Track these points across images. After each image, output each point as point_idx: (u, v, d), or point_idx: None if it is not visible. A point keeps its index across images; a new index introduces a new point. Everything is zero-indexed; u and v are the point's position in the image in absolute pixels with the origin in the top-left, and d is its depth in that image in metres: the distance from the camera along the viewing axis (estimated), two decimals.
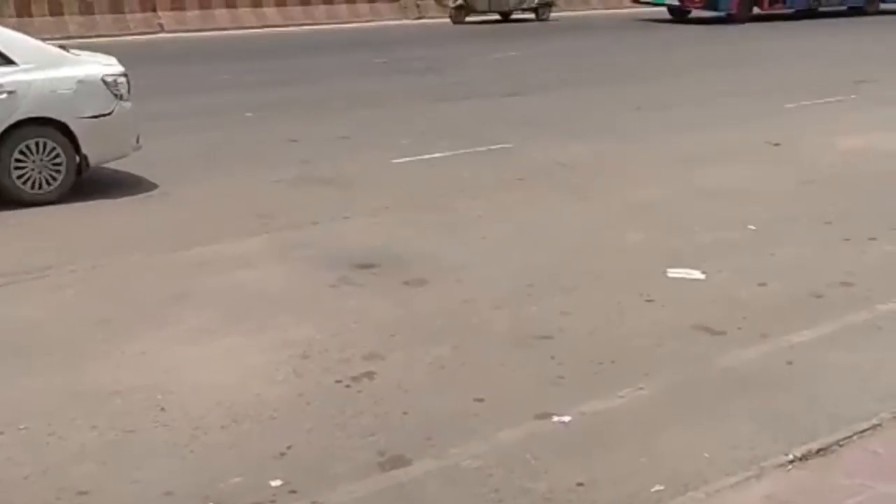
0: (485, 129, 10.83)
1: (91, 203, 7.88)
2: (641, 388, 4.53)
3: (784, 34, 22.67)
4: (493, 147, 9.86)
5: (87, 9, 22.98)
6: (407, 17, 26.68)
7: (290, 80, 15.40)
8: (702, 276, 6.06)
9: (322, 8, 23.67)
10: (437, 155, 9.48)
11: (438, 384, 4.60)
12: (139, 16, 23.23)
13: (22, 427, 4.13)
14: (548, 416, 4.25)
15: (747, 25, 23.92)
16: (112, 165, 9.03)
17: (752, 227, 7.13)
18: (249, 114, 11.91)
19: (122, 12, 23.23)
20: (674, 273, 6.10)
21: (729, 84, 14.54)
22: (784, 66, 16.87)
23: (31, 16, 22.06)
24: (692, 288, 5.90)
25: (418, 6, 27.40)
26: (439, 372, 4.72)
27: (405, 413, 4.29)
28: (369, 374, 4.66)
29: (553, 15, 25.30)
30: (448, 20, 25.17)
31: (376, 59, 17.90)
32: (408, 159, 9.31)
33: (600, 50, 19.76)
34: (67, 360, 4.83)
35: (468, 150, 9.69)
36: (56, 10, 22.72)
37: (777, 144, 9.97)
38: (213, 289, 5.88)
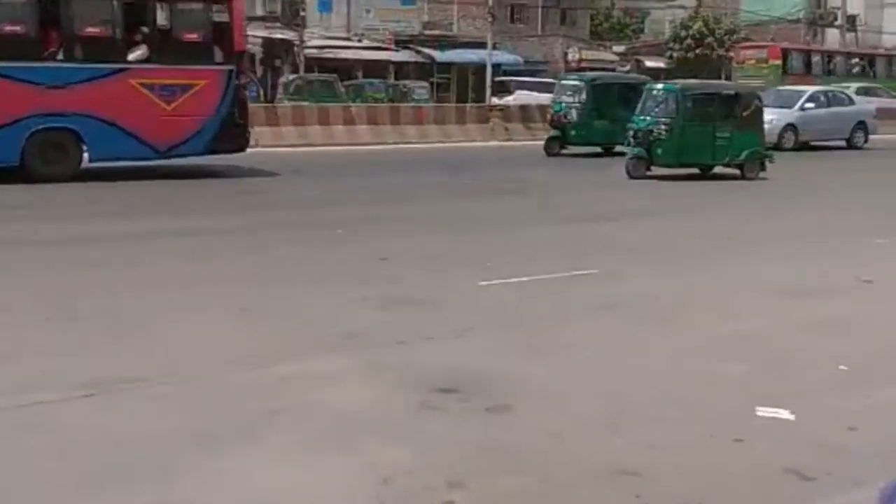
0: (572, 255, 10.88)
1: (183, 313, 8.04)
2: None
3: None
4: (579, 273, 9.87)
5: None
6: (495, 139, 27.14)
7: (381, 198, 15.71)
8: (791, 417, 5.94)
9: (412, 127, 24.21)
10: (523, 279, 9.52)
11: None
12: None
13: None
14: None
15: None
16: (196, 277, 9.25)
17: (844, 368, 6.99)
18: (340, 230, 12.12)
19: None
20: (763, 412, 5.98)
21: (816, 218, 14.43)
22: (864, 200, 16.72)
23: None
24: (782, 428, 5.78)
25: (507, 129, 27.88)
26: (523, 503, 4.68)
27: None
28: (452, 503, 4.63)
29: None
30: (536, 142, 25.52)
31: (465, 179, 18.19)
32: (494, 282, 9.36)
33: (687, 180, 19.82)
34: (155, 475, 4.88)
35: (554, 275, 9.71)
36: None
37: (869, 281, 9.82)
38: (298, 407, 5.92)
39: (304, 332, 7.62)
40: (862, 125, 28.76)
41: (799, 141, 26.81)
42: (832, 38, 59.90)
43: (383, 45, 48.60)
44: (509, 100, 36.05)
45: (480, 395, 6.16)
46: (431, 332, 7.65)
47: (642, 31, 66.86)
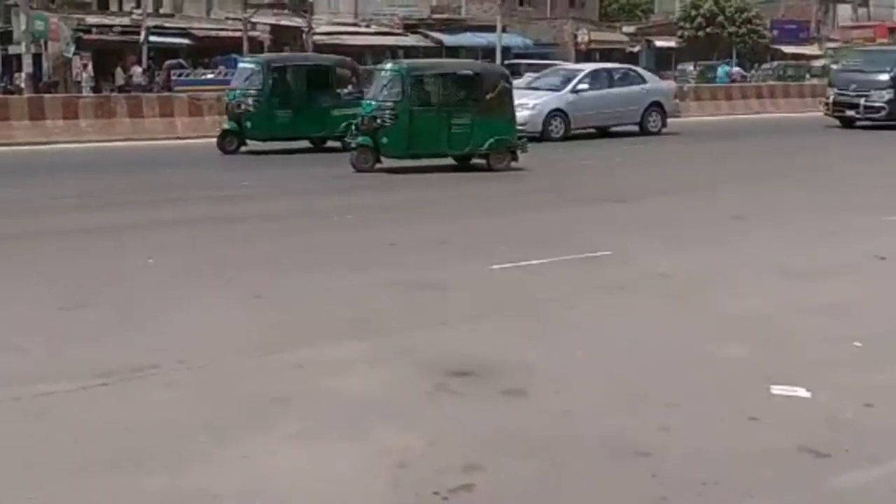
0: (584, 237, 10.85)
1: (196, 301, 8.06)
2: None
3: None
4: (592, 255, 9.85)
5: (195, 110, 23.73)
6: None
7: (390, 185, 15.67)
8: (807, 395, 5.92)
9: None
10: (535, 262, 9.50)
11: (538, 499, 4.54)
12: None
13: None
14: None
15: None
16: (210, 264, 9.28)
17: (858, 344, 6.96)
18: (350, 216, 12.12)
19: None
20: (777, 390, 5.96)
21: (828, 193, 14.38)
22: (876, 176, 16.64)
23: (142, 116, 22.90)
24: (796, 406, 5.76)
25: None
26: (538, 487, 4.66)
27: None
28: (467, 487, 4.62)
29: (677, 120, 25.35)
30: None
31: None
32: (506, 266, 9.34)
33: (695, 157, 19.75)
34: (168, 462, 4.89)
35: (567, 258, 9.69)
36: (166, 112, 23.47)
37: (883, 258, 9.76)
38: (311, 393, 5.92)
39: (317, 318, 7.62)
40: (657, 107, 24.37)
41: (571, 128, 22.90)
42: (843, 13, 59.62)
43: (392, 30, 48.49)
44: (519, 83, 35.95)
45: (494, 379, 6.16)
46: (444, 316, 7.64)
47: (652, 10, 66.57)
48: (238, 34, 43.11)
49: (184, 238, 10.85)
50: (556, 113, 22.73)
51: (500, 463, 4.91)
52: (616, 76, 24.89)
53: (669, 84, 27.29)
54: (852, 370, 6.44)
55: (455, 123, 16.71)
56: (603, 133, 23.99)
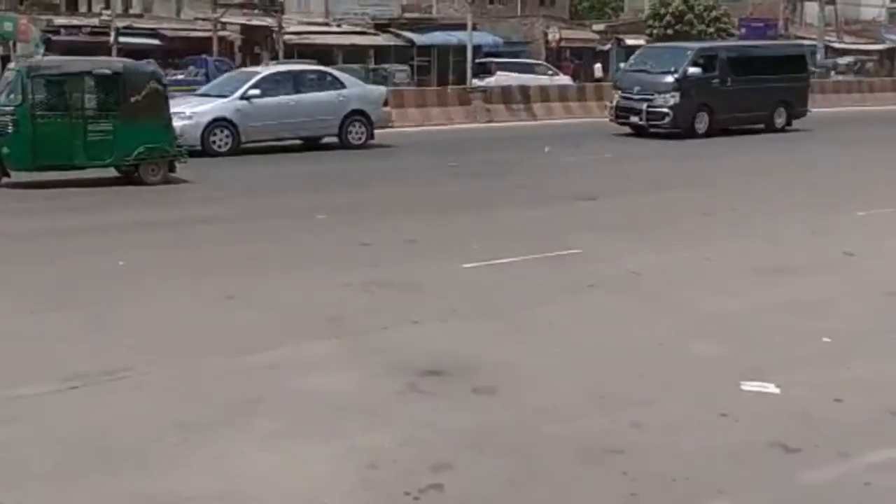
0: (554, 235, 10.87)
1: (168, 303, 8.01)
2: None
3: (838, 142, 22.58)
4: (562, 253, 9.86)
5: None
6: (477, 121, 27.07)
7: (361, 183, 15.66)
8: (776, 391, 5.96)
9: (393, 111, 24.01)
10: (506, 260, 9.51)
11: (509, 498, 4.55)
12: None
13: None
14: None
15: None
16: (185, 266, 9.24)
17: (827, 340, 7.01)
18: (322, 216, 12.09)
19: None
20: (748, 386, 6.00)
21: (795, 191, 14.48)
22: (847, 173, 16.78)
23: None
24: (767, 402, 5.80)
25: (488, 110, 27.82)
26: (509, 486, 4.67)
27: None
28: (438, 487, 4.62)
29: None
30: (517, 122, 25.48)
31: (447, 162, 18.15)
32: (477, 264, 9.34)
33: (660, 156, 19.84)
34: (141, 464, 4.86)
35: (537, 256, 9.71)
36: None
37: (851, 254, 9.84)
38: (283, 393, 5.90)
39: (289, 318, 7.59)
40: (360, 116, 20.55)
41: (242, 141, 19.20)
42: (811, 11, 59.98)
43: (363, 30, 48.44)
44: (490, 81, 35.96)
45: (466, 378, 6.16)
46: (416, 315, 7.63)
47: (622, 9, 66.75)
48: (208, 34, 42.92)
49: (153, 240, 10.78)
50: (221, 123, 19.02)
51: (471, 462, 4.91)
52: (305, 80, 20.89)
53: (378, 90, 22.89)
54: (822, 366, 6.48)
55: (93, 130, 14.67)
56: (308, 146, 20.40)
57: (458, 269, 9.19)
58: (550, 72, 41.34)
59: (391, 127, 22.12)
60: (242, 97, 19.49)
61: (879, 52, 58.31)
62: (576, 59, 51.77)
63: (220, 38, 43.55)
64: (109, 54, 41.02)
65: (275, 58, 42.41)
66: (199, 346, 6.87)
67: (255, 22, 46.32)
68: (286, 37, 44.70)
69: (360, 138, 20.53)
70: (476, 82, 34.26)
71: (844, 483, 4.74)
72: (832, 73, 47.58)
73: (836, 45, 57.56)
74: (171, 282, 8.77)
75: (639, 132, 23.20)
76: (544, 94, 29.95)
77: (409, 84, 38.44)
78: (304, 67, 24.14)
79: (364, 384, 6.09)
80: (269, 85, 20.05)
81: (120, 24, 42.56)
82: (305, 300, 8.14)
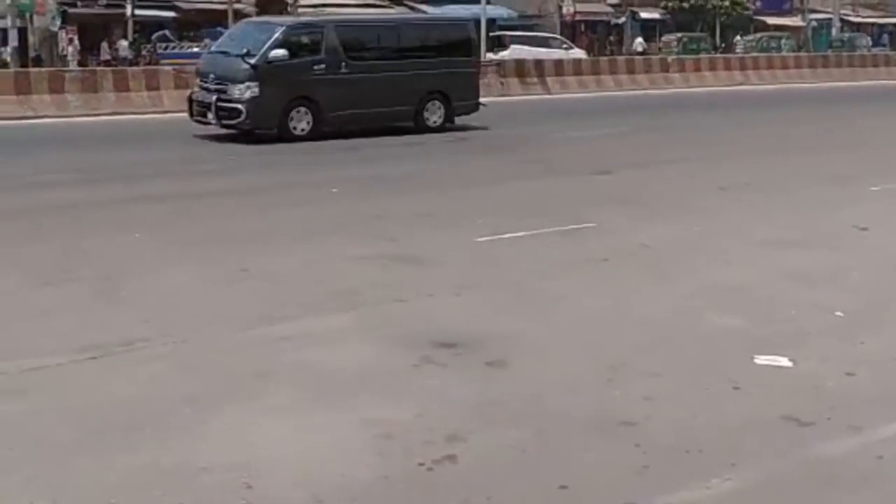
0: (568, 208, 10.87)
1: (184, 275, 8.05)
2: (729, 479, 4.46)
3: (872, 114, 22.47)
4: (576, 226, 9.87)
5: (181, 83, 23.54)
6: (490, 95, 26.99)
7: (375, 158, 15.65)
8: (789, 364, 5.97)
9: None
10: (519, 234, 9.52)
11: (521, 469, 4.58)
12: None
13: (112, 501, 4.21)
14: None
15: None
16: (195, 238, 9.27)
17: (840, 314, 7.01)
18: (335, 189, 12.10)
19: None
20: (761, 360, 6.01)
21: (809, 165, 14.43)
22: (868, 147, 16.71)
23: (129, 90, 22.69)
24: (779, 376, 5.81)
25: (502, 84, 27.74)
26: (522, 456, 4.70)
27: (488, 498, 4.27)
28: (451, 458, 4.66)
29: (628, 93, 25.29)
30: (531, 96, 25.36)
31: (461, 136, 18.13)
32: (491, 238, 9.36)
33: (678, 127, 19.77)
34: (157, 435, 4.91)
35: (551, 230, 9.71)
36: (152, 86, 23.25)
37: (864, 229, 9.82)
38: (297, 365, 5.94)
39: (304, 291, 7.62)
40: None
41: None
42: None
43: (377, 2, 48.20)
44: (504, 54, 35.80)
45: (479, 351, 6.18)
46: (429, 289, 7.66)
47: None
48: (223, 6, 42.79)
49: (170, 213, 10.82)
50: None
51: (484, 433, 4.94)
52: None
53: None
54: (835, 339, 6.49)
55: None
56: None
57: (471, 243, 9.21)
58: (565, 45, 41.12)
59: None
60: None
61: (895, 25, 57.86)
62: (602, 34, 51.51)
63: (236, 11, 43.41)
64: (125, 27, 41.06)
65: None
66: (214, 318, 6.91)
67: None
68: (301, 9, 44.53)
69: None
70: (490, 56, 34.13)
71: (856, 456, 4.75)
72: (865, 49, 47.20)
73: (852, 19, 57.13)
74: (186, 254, 8.81)
75: (247, 132, 17.35)
76: (559, 67, 29.84)
77: None
78: None
79: (378, 357, 6.13)
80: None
81: None
82: (319, 273, 8.17)
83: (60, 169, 14.13)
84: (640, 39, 49.03)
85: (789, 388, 5.60)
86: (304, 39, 17.89)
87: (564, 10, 52.06)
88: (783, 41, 51.17)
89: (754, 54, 40.52)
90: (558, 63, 30.46)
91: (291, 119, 17.28)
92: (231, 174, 13.99)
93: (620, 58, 36.40)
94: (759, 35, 53.36)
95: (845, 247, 9.20)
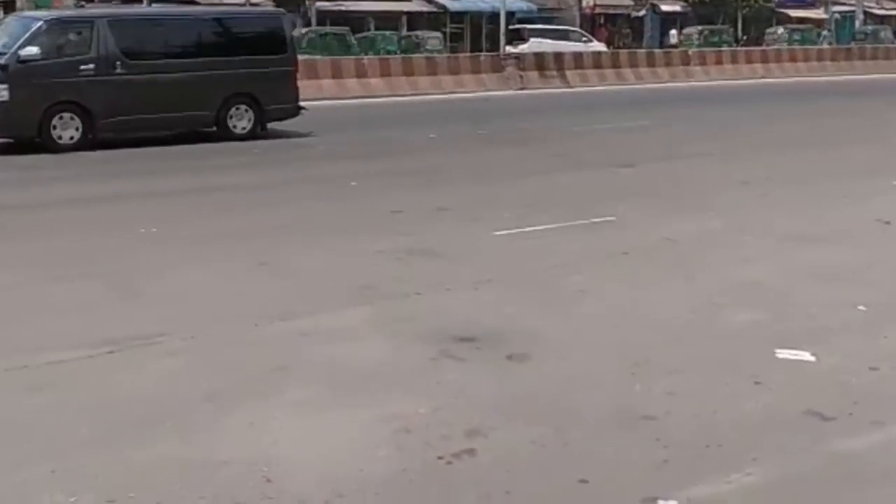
0: (588, 202, 10.83)
1: (201, 269, 8.06)
2: (750, 474, 4.42)
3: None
4: (596, 220, 9.83)
5: None
6: (510, 88, 26.96)
7: (394, 151, 15.65)
8: (812, 359, 5.92)
9: (426, 78, 24.03)
10: (539, 228, 9.49)
11: (541, 464, 4.55)
12: None
13: (132, 495, 4.21)
14: (653, 500, 4.17)
15: None
16: (213, 234, 9.28)
17: (863, 308, 6.95)
18: (354, 183, 12.10)
19: None
20: (783, 354, 5.97)
21: (831, 159, 14.34)
22: (890, 141, 16.59)
23: None
24: (802, 371, 5.76)
25: (521, 77, 27.69)
26: (542, 451, 4.68)
27: (508, 492, 4.25)
28: (471, 452, 4.64)
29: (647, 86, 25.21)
30: (551, 90, 25.33)
31: (479, 130, 18.10)
32: (510, 231, 9.33)
33: (699, 121, 19.68)
34: (176, 429, 4.91)
35: (571, 223, 9.68)
36: None
37: (888, 223, 9.74)
38: (316, 360, 5.94)
39: (322, 285, 7.62)
40: None
41: None
42: None
43: None
44: (524, 48, 35.74)
45: (499, 345, 6.16)
46: (448, 283, 7.64)
47: None
48: (241, 1, 42.90)
49: (178, 207, 10.84)
50: None
51: (504, 428, 4.92)
52: None
53: None
54: (857, 334, 6.44)
55: None
56: None
57: (490, 237, 9.18)
58: (584, 38, 41.04)
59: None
60: None
61: None
62: (618, 27, 51.36)
63: (253, 6, 43.49)
64: None
65: (307, 24, 42.37)
66: (232, 313, 6.91)
67: None
68: (318, 3, 44.61)
69: None
70: (509, 49, 34.08)
71: (879, 452, 4.70)
72: (889, 42, 46.74)
73: (876, 11, 56.73)
74: (204, 248, 8.82)
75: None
76: (578, 61, 29.77)
77: (440, 51, 38.29)
78: None
79: (397, 351, 6.11)
80: None
81: None
82: (337, 267, 8.17)
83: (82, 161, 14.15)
84: (673, 31, 48.81)
85: (811, 383, 5.55)
86: (71, 36, 15.88)
87: (584, 3, 51.94)
88: (824, 33, 50.66)
89: (787, 47, 40.04)
90: (578, 56, 30.39)
91: (55, 127, 15.27)
92: None
93: (640, 51, 36.26)
94: (794, 27, 52.79)
95: (868, 241, 9.13)
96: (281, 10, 21.65)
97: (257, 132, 16.86)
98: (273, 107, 17.14)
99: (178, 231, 9.63)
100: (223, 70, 16.56)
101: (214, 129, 16.73)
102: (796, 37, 47.95)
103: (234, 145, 16.21)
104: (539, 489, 4.30)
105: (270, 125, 17.28)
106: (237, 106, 16.79)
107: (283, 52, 17.54)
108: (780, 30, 49.81)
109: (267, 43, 17.34)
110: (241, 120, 16.85)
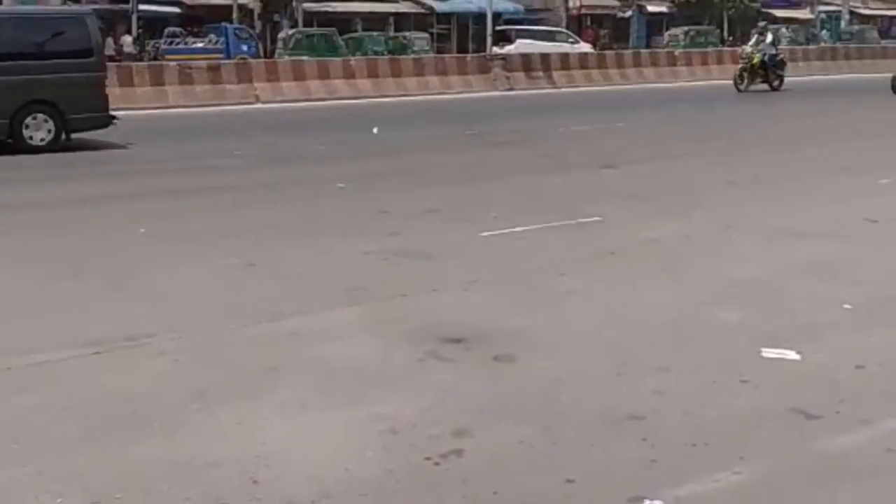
0: (575, 203, 10.84)
1: (190, 270, 8.05)
2: (738, 473, 4.43)
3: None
4: (583, 220, 9.84)
5: (186, 79, 23.69)
6: (497, 89, 26.99)
7: (382, 152, 15.65)
8: (797, 357, 5.94)
9: (413, 80, 24.05)
10: (526, 228, 9.49)
11: (528, 464, 4.56)
12: (236, 87, 23.90)
13: (118, 496, 4.20)
14: (640, 499, 4.18)
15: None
16: (202, 233, 9.26)
17: (848, 307, 6.98)
18: (341, 185, 12.10)
19: (220, 83, 23.91)
20: (769, 353, 5.98)
21: (817, 158, 14.38)
22: (871, 139, 16.65)
23: (133, 85, 22.82)
24: (788, 369, 5.78)
25: (508, 78, 27.72)
26: (529, 451, 4.68)
27: (495, 493, 4.25)
28: (458, 452, 4.64)
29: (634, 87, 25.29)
30: (538, 91, 25.38)
31: (467, 130, 18.11)
32: (497, 232, 9.33)
33: (685, 121, 19.74)
34: (163, 430, 4.90)
35: (558, 224, 9.69)
36: (157, 81, 23.45)
37: (875, 221, 9.78)
38: (303, 361, 5.93)
39: (310, 286, 7.62)
40: None
41: None
42: None
43: None
44: (510, 49, 35.78)
45: (486, 346, 6.16)
46: (435, 284, 7.64)
47: None
48: (228, 2, 42.84)
49: (174, 208, 10.82)
50: None
51: (491, 428, 4.92)
52: None
53: None
54: (843, 332, 6.46)
55: None
56: None
57: (477, 238, 9.18)
58: (571, 39, 41.09)
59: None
60: None
61: None
62: (596, 27, 51.43)
63: (240, 6, 43.46)
64: (129, 22, 41.06)
65: (294, 25, 42.34)
66: (221, 313, 6.90)
67: None
68: (305, 4, 44.57)
69: None
70: (496, 50, 34.11)
71: (865, 449, 4.72)
72: (874, 42, 46.80)
73: (862, 11, 56.94)
74: (193, 249, 8.81)
75: None
76: (565, 62, 29.81)
77: (428, 52, 38.32)
78: None
79: (384, 352, 6.11)
80: None
81: None
82: (326, 268, 8.16)
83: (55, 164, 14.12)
84: (667, 33, 48.89)
85: (798, 382, 5.57)
86: None
87: (571, 4, 52.03)
88: (823, 32, 50.63)
89: (793, 47, 39.98)
90: (564, 57, 30.43)
91: None
92: None
93: (627, 52, 36.34)
94: (792, 26, 52.71)
95: (854, 240, 9.16)
96: (88, 9, 19.38)
97: (59, 144, 15.48)
98: (77, 116, 15.54)
99: None
100: (17, 75, 15.03)
101: (9, 140, 15.27)
102: (787, 34, 48.09)
103: (29, 158, 14.83)
104: (526, 489, 4.30)
105: (79, 136, 16.01)
106: (34, 115, 15.29)
107: (90, 57, 15.89)
108: (767, 25, 49.81)
109: (72, 47, 15.67)
110: (40, 130, 15.38)
